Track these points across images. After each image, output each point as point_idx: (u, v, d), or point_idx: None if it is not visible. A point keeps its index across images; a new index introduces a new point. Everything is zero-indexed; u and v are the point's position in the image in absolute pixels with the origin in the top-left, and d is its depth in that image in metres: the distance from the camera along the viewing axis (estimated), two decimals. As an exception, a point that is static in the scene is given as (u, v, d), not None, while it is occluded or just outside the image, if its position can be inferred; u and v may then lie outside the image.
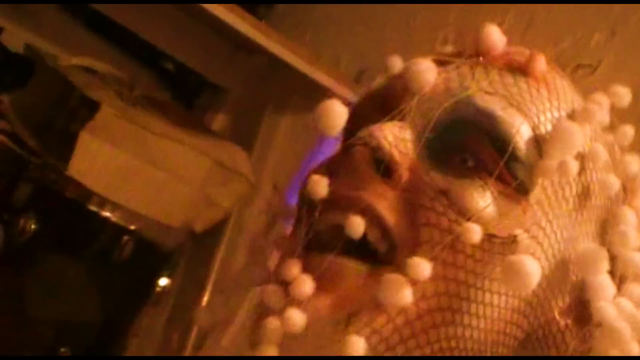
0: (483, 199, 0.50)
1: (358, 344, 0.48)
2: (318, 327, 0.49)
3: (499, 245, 0.50)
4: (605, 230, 0.55)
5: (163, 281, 1.52)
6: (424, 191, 0.51)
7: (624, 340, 0.50)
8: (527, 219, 0.51)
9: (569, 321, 0.53)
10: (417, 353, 0.50)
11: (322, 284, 0.50)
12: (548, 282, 0.52)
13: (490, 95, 0.53)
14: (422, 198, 0.51)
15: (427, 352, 0.50)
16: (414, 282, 0.49)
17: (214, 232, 1.48)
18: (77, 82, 1.32)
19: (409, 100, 0.54)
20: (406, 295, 0.48)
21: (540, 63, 0.56)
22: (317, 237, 0.52)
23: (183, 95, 1.73)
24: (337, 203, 0.51)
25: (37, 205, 1.29)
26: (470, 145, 0.52)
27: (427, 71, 0.54)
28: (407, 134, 0.53)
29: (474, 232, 0.49)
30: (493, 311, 0.50)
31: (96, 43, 1.62)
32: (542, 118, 0.53)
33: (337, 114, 0.52)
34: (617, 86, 0.58)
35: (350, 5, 1.64)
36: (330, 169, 0.54)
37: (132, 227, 1.42)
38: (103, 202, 1.35)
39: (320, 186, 0.51)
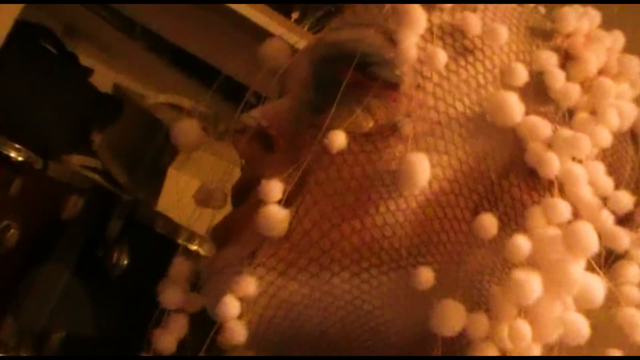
0: (348, 111, 0.51)
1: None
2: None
3: (381, 140, 0.50)
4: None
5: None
6: (305, 142, 0.52)
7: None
8: (403, 106, 0.51)
9: (512, 177, 0.51)
10: (336, 253, 0.49)
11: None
12: (464, 150, 0.50)
13: (339, 30, 0.55)
14: (299, 141, 0.52)
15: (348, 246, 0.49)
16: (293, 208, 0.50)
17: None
18: (164, 119, 1.35)
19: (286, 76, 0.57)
20: (273, 213, 0.50)
21: None
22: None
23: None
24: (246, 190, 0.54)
25: (129, 240, 1.32)
26: (337, 78, 0.52)
27: (271, 43, 0.59)
28: (286, 104, 0.55)
29: (336, 136, 0.49)
30: (409, 202, 0.49)
31: (181, 80, 1.66)
32: (389, 20, 0.53)
33: (190, 131, 0.58)
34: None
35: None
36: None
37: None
38: (191, 236, 1.38)
39: None
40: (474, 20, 0.53)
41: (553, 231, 0.47)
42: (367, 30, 0.53)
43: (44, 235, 1.35)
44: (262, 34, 1.43)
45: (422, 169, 0.47)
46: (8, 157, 1.34)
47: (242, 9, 1.37)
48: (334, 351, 0.50)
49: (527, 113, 0.51)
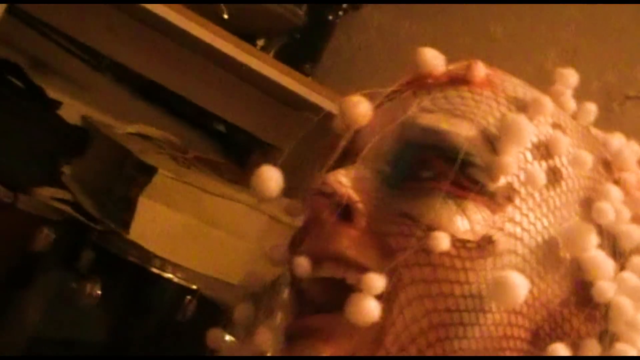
0: (447, 210, 0.51)
1: None
2: None
3: (476, 250, 0.50)
4: (590, 208, 0.54)
5: (227, 338, 1.53)
6: (388, 219, 0.51)
7: (629, 315, 0.50)
8: (499, 218, 0.51)
9: (572, 307, 0.52)
10: None
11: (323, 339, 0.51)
12: (538, 273, 0.51)
13: (433, 113, 0.54)
14: (387, 226, 0.51)
15: None
16: (386, 298, 0.50)
17: (274, 286, 1.49)
18: (132, 149, 1.36)
19: (356, 138, 0.56)
20: (372, 309, 0.49)
21: (479, 68, 0.56)
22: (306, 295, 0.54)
23: (235, 155, 1.77)
24: (313, 260, 0.52)
25: (101, 270, 1.32)
26: (424, 165, 0.52)
27: (357, 104, 0.56)
28: (362, 172, 0.53)
29: (441, 239, 0.49)
30: (487, 318, 0.50)
31: (148, 110, 1.68)
32: (490, 119, 0.53)
33: (271, 178, 0.54)
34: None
35: (393, 56, 1.67)
36: (304, 229, 0.55)
37: (194, 287, 1.44)
38: (164, 264, 1.38)
39: (302, 267, 0.52)
40: (563, 141, 0.54)
41: None
42: (467, 126, 0.53)
43: (16, 267, 1.35)
44: (228, 62, 1.45)
45: (522, 286, 0.49)
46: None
47: (207, 36, 1.39)
48: None
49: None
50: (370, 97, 0.57)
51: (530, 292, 0.50)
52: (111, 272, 1.35)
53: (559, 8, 1.54)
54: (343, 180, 0.52)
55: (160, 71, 1.56)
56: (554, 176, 0.53)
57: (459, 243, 0.50)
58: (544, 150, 0.53)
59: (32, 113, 1.46)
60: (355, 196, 0.52)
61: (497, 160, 0.51)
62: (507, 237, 0.51)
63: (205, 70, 1.57)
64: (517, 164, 0.52)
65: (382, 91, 0.58)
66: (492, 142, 0.52)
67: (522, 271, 0.50)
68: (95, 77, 1.63)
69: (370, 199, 0.52)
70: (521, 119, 0.52)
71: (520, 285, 0.49)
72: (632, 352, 0.50)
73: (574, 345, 0.51)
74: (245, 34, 1.46)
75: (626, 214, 0.54)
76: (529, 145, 0.53)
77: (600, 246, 0.52)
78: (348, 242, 0.51)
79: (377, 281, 0.49)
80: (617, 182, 0.56)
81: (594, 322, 0.52)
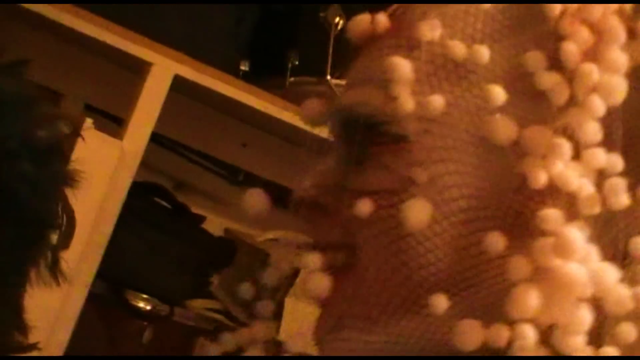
0: (373, 171, 0.56)
1: None
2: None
3: (403, 190, 0.54)
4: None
5: None
6: (345, 206, 0.57)
7: None
8: (416, 154, 0.54)
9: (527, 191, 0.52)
10: None
11: None
12: (484, 163, 0.53)
13: (347, 90, 0.59)
14: (345, 210, 0.57)
15: None
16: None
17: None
18: (273, 254, 1.44)
19: None
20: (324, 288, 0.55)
21: (380, 21, 0.58)
22: None
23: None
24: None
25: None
26: (355, 141, 0.56)
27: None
28: (327, 163, 0.59)
29: (364, 204, 0.54)
30: (441, 233, 0.53)
31: (282, 214, 1.76)
32: (383, 69, 0.56)
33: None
34: None
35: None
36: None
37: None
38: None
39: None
40: (457, 46, 0.54)
41: (545, 240, 0.50)
42: (369, 89, 0.56)
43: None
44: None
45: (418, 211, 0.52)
46: (137, 308, 1.44)
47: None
48: None
49: (523, 118, 0.52)
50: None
51: (481, 188, 0.53)
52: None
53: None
54: (307, 185, 0.58)
55: (290, 177, 1.65)
56: (464, 82, 0.54)
57: (385, 194, 0.53)
58: (447, 64, 0.55)
59: (179, 230, 1.57)
60: (314, 192, 0.58)
61: (394, 108, 0.54)
62: (434, 165, 0.53)
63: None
64: (413, 99, 0.53)
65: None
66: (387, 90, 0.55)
67: (463, 174, 0.53)
68: (233, 190, 1.74)
69: (335, 188, 0.57)
70: (395, 60, 0.54)
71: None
72: None
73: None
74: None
75: (549, 78, 0.52)
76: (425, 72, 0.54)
77: None
78: (320, 232, 0.58)
79: (314, 257, 0.55)
80: (548, 35, 0.54)
81: (537, 198, 0.52)
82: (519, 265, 0.50)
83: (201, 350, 1.49)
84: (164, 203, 1.61)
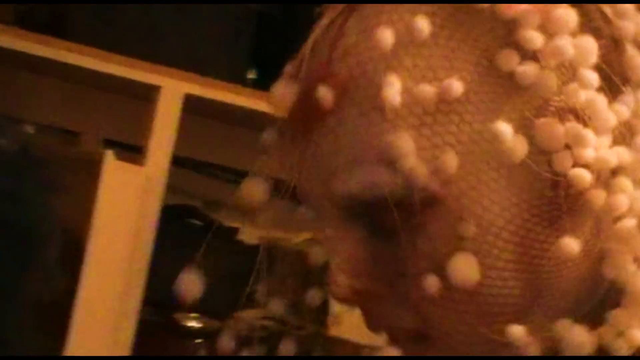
0: None
1: None
2: None
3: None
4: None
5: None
6: None
7: None
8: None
9: None
10: None
11: None
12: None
13: None
14: None
15: None
16: None
17: None
18: (310, 253, 1.45)
19: None
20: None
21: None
22: None
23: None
24: None
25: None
26: None
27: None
28: None
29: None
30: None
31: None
32: None
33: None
34: None
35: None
36: None
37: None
38: (373, 349, 1.45)
39: None
40: (425, 89, 0.51)
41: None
42: (369, 171, 0.53)
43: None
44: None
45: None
46: (188, 327, 1.45)
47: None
48: None
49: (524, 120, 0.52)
50: None
51: None
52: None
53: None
54: (342, 280, 0.57)
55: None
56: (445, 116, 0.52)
57: None
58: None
59: (216, 245, 1.58)
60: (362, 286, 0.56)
61: (408, 180, 0.52)
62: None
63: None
64: (423, 166, 0.52)
65: None
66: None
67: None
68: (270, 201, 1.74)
69: (374, 274, 0.56)
70: (397, 137, 0.51)
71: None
72: None
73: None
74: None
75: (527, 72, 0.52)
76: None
77: None
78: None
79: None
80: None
81: None
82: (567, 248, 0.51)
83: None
84: (197, 222, 1.63)
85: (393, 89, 0.51)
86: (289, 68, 0.57)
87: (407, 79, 0.51)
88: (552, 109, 0.52)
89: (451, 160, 0.51)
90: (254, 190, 0.61)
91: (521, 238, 0.52)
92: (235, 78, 1.53)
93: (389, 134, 0.51)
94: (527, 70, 0.51)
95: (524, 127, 0.52)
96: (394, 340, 0.55)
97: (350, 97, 0.52)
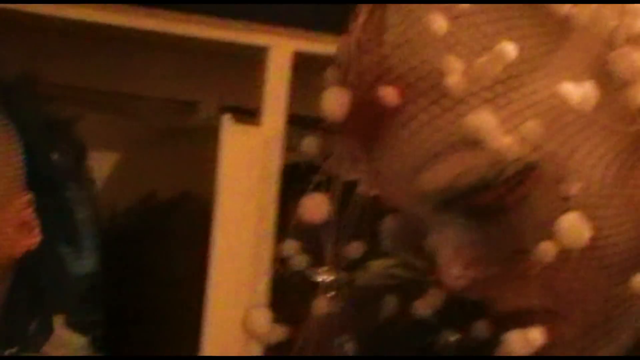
0: None
1: None
2: None
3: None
4: None
5: None
6: None
7: None
8: None
9: None
10: None
11: None
12: None
13: None
14: None
15: None
16: None
17: None
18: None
19: None
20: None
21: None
22: None
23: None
24: None
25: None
26: None
27: None
28: None
29: None
30: None
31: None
32: None
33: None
34: None
35: None
36: None
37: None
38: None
39: None
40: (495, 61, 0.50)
41: None
42: (458, 158, 0.51)
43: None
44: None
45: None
46: (320, 282, 1.47)
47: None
48: None
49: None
50: None
51: None
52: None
53: None
54: (456, 271, 0.54)
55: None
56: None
57: None
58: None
59: (342, 199, 1.58)
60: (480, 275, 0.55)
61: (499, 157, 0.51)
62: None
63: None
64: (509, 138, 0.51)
65: None
66: None
67: None
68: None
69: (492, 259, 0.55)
70: (480, 115, 0.50)
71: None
72: None
73: None
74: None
75: None
76: None
77: None
78: None
79: None
80: None
81: None
82: None
83: (392, 308, 1.50)
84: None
85: (457, 70, 0.49)
86: (329, 75, 0.55)
87: (468, 54, 0.50)
88: (619, 40, 0.51)
89: (536, 124, 0.50)
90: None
91: (622, 180, 0.51)
92: (341, 30, 1.52)
93: (467, 115, 0.49)
94: (581, 9, 0.50)
95: (592, 70, 0.51)
96: (524, 325, 0.52)
97: (415, 89, 0.50)
